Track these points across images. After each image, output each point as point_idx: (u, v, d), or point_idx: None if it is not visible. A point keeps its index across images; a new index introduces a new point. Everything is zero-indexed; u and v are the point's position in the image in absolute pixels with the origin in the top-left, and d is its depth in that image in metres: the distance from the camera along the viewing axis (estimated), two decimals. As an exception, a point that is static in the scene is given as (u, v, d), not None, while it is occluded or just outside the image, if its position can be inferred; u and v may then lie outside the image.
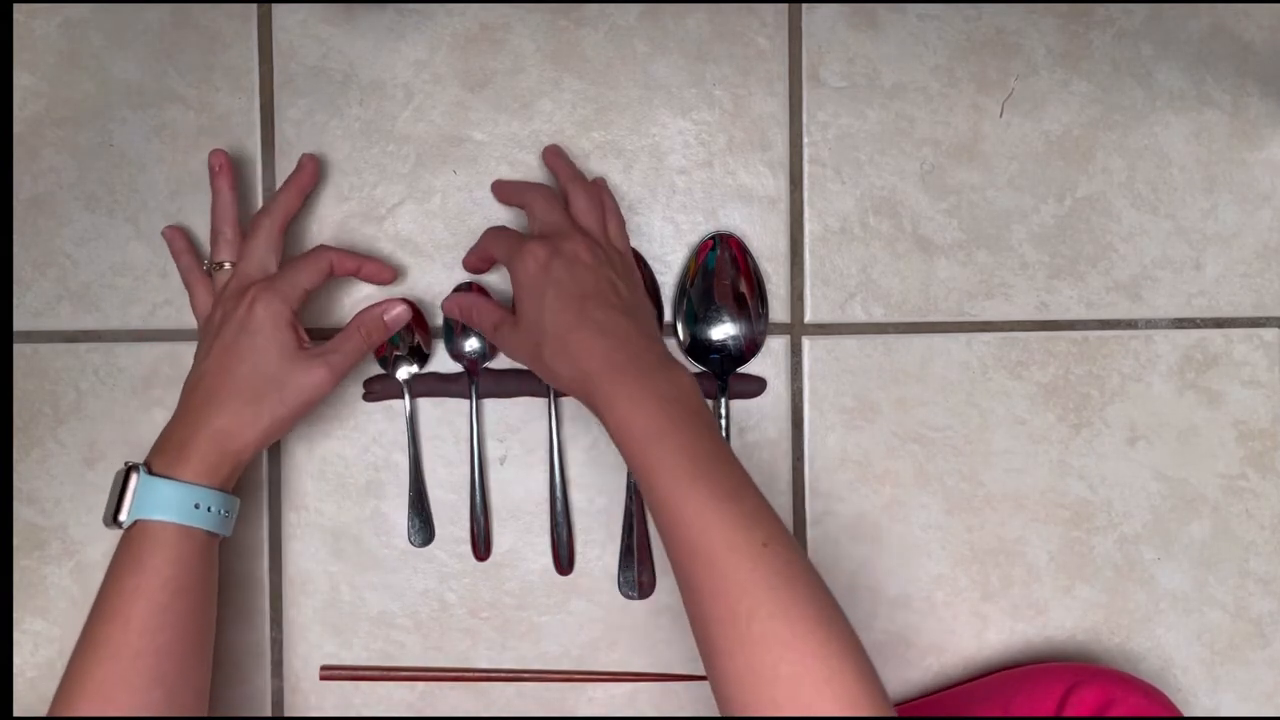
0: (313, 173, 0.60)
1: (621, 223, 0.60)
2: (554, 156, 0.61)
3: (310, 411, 0.55)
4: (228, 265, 0.57)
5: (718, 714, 0.62)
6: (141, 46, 0.62)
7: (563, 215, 0.57)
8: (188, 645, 0.51)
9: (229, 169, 0.59)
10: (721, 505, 0.46)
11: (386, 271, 0.60)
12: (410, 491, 0.61)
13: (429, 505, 0.62)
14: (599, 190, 0.60)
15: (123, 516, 0.50)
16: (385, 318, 0.57)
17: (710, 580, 0.45)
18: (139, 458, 0.53)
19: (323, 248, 0.58)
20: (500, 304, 0.59)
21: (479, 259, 0.60)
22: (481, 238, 0.59)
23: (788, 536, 0.47)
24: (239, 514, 0.61)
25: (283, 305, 0.54)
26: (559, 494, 0.61)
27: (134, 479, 0.51)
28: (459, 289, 0.61)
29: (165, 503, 0.50)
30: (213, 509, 0.51)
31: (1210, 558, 0.63)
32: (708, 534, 0.45)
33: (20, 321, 0.62)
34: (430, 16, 0.62)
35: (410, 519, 0.61)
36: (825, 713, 0.41)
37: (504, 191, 0.61)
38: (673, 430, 0.48)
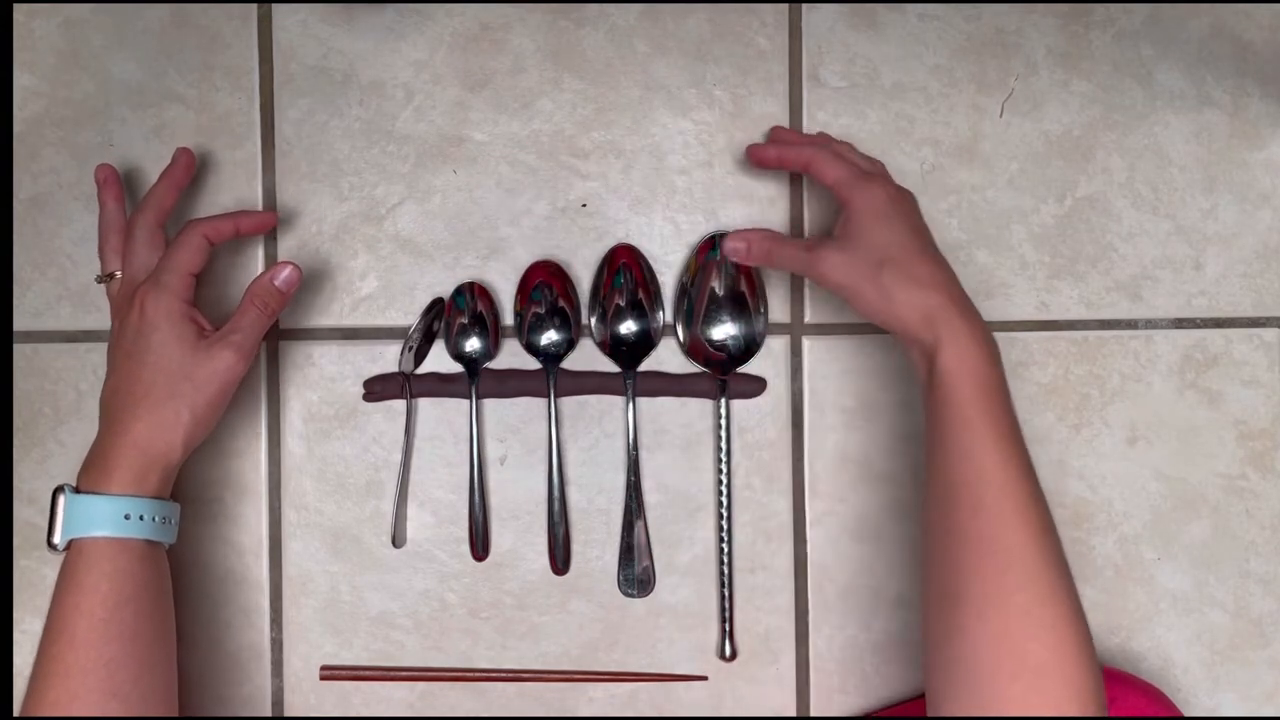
0: (186, 166, 0.58)
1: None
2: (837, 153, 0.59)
3: (228, 399, 0.54)
4: (117, 275, 0.56)
5: (717, 714, 0.62)
6: (141, 46, 0.62)
7: (886, 174, 0.57)
8: (140, 656, 0.50)
9: (114, 183, 0.58)
10: (1026, 475, 0.48)
11: (264, 217, 0.59)
12: (398, 494, 0.61)
13: (406, 508, 0.61)
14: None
15: (56, 539, 0.50)
16: (276, 283, 0.55)
17: (988, 538, 0.46)
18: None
19: (191, 223, 0.56)
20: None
21: (780, 161, 0.58)
22: (801, 147, 0.57)
23: (1056, 529, 0.48)
24: (236, 517, 0.62)
25: (171, 298, 0.53)
26: (557, 494, 0.61)
27: (61, 499, 0.50)
28: (459, 290, 0.61)
29: (95, 518, 0.50)
30: (145, 517, 0.51)
31: (1210, 558, 0.63)
32: (1005, 495, 0.47)
33: (20, 321, 0.62)
34: (430, 16, 0.62)
35: (395, 521, 0.61)
36: (1059, 700, 0.43)
37: (781, 153, 0.58)
38: (1001, 387, 0.49)
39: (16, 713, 0.60)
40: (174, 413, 0.52)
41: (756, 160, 0.59)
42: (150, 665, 0.51)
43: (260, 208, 0.61)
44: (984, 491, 0.47)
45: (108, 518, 0.50)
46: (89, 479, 0.51)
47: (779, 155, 0.58)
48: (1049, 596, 0.45)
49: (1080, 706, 0.43)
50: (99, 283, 0.58)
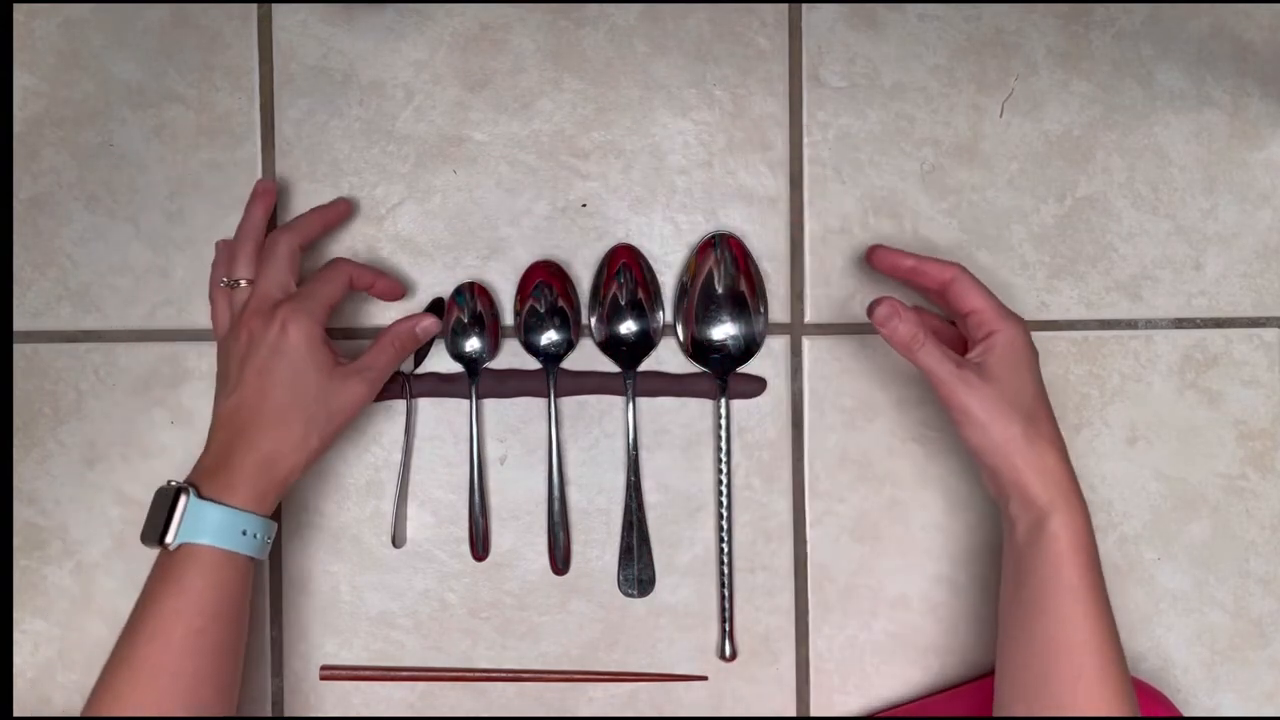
0: (342, 213, 0.61)
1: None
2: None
3: (343, 431, 0.56)
4: (244, 283, 0.56)
5: (717, 714, 0.62)
6: (141, 46, 0.62)
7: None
8: (221, 671, 0.50)
9: (269, 196, 0.59)
10: (1113, 644, 0.51)
11: (398, 288, 0.60)
12: (398, 493, 0.61)
13: (406, 508, 0.61)
14: None
15: (169, 538, 0.50)
16: (417, 330, 0.59)
17: (1084, 708, 0.49)
18: (139, 458, 0.53)
19: (340, 261, 0.58)
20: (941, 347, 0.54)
21: (914, 273, 0.57)
22: (950, 271, 0.56)
23: (1136, 699, 0.51)
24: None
25: (314, 325, 0.54)
26: (557, 494, 0.61)
27: (183, 501, 0.50)
28: (459, 290, 0.61)
29: (213, 527, 0.50)
30: (258, 535, 0.51)
31: (1210, 558, 0.63)
32: (1105, 672, 0.50)
33: (20, 321, 0.62)
34: (430, 16, 0.62)
35: (395, 521, 0.61)
36: None
37: (925, 265, 0.57)
38: (1097, 559, 0.52)
39: (30, 712, 0.60)
40: (303, 436, 0.53)
41: (880, 261, 0.58)
42: (227, 684, 0.51)
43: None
44: (1085, 660, 0.49)
45: (227, 529, 0.50)
46: (213, 487, 0.51)
47: (916, 265, 0.57)
48: None
49: None
50: (224, 286, 0.57)
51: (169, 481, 0.51)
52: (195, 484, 0.51)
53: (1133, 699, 0.50)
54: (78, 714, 0.53)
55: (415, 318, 0.59)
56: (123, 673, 0.49)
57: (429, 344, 0.61)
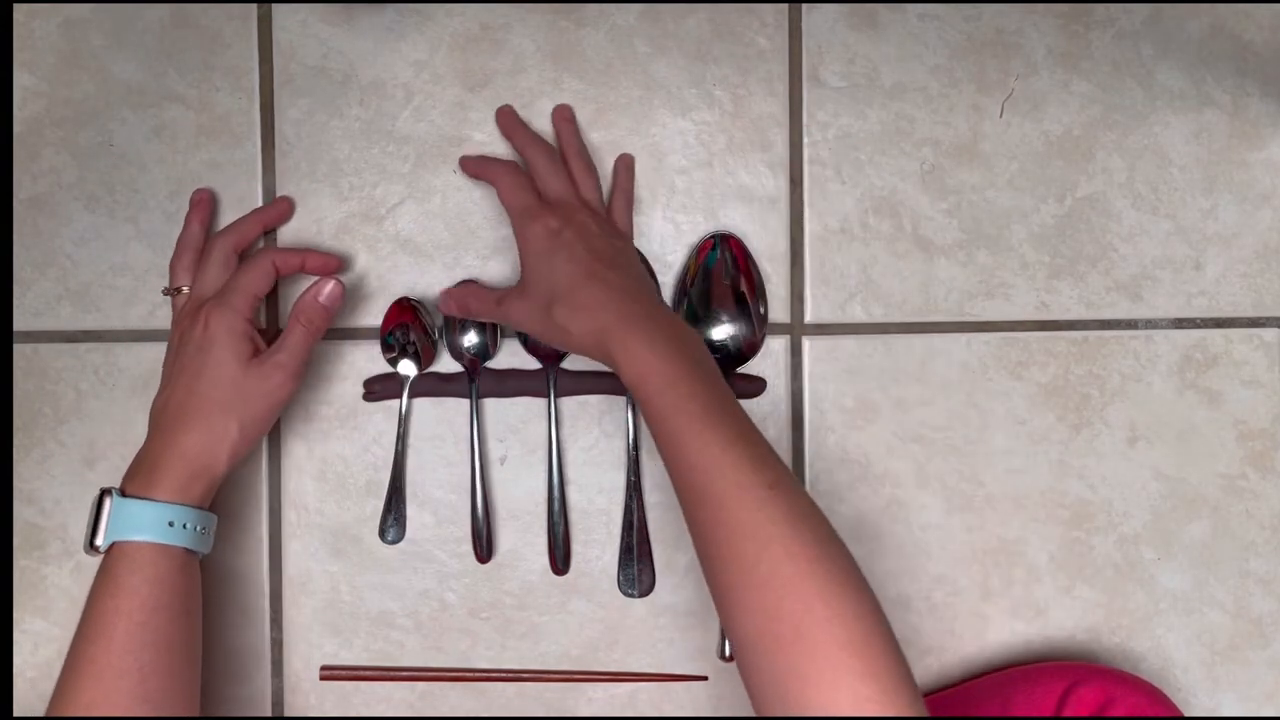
0: (282, 213, 0.61)
1: (629, 204, 0.61)
2: (565, 123, 0.61)
3: (275, 416, 0.55)
4: (185, 289, 0.58)
5: (717, 714, 0.62)
6: (141, 46, 0.62)
7: (569, 187, 0.58)
8: (172, 662, 0.51)
9: (206, 206, 0.60)
10: (730, 449, 0.47)
11: (331, 261, 0.60)
12: (389, 489, 0.61)
13: (405, 504, 0.62)
14: (592, 166, 0.60)
15: (99, 540, 0.51)
16: (320, 300, 0.56)
17: (719, 522, 0.46)
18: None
19: (264, 250, 0.59)
20: (493, 286, 0.59)
21: (476, 175, 0.60)
22: (493, 165, 0.59)
23: (793, 480, 0.48)
24: (236, 516, 0.62)
25: (234, 316, 0.54)
26: (556, 494, 0.61)
27: (108, 502, 0.51)
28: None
29: (140, 523, 0.51)
30: (188, 526, 0.52)
31: (1210, 558, 0.63)
32: (717, 476, 0.47)
33: (20, 321, 0.62)
34: (430, 16, 0.62)
35: (384, 516, 0.61)
36: (831, 651, 0.42)
37: (480, 165, 0.60)
38: (686, 377, 0.49)
39: (30, 712, 0.60)
40: (223, 427, 0.53)
41: (462, 168, 0.61)
42: (179, 674, 0.51)
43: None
44: (699, 480, 0.47)
45: (152, 523, 0.51)
46: (135, 484, 0.52)
47: (476, 169, 0.60)
48: (785, 554, 0.44)
49: (852, 651, 0.42)
50: (165, 295, 0.59)
51: (99, 489, 0.52)
52: (123, 485, 0.52)
53: (771, 494, 0.46)
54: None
55: (316, 286, 0.56)
56: (70, 676, 0.49)
57: (432, 347, 0.61)
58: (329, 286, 0.56)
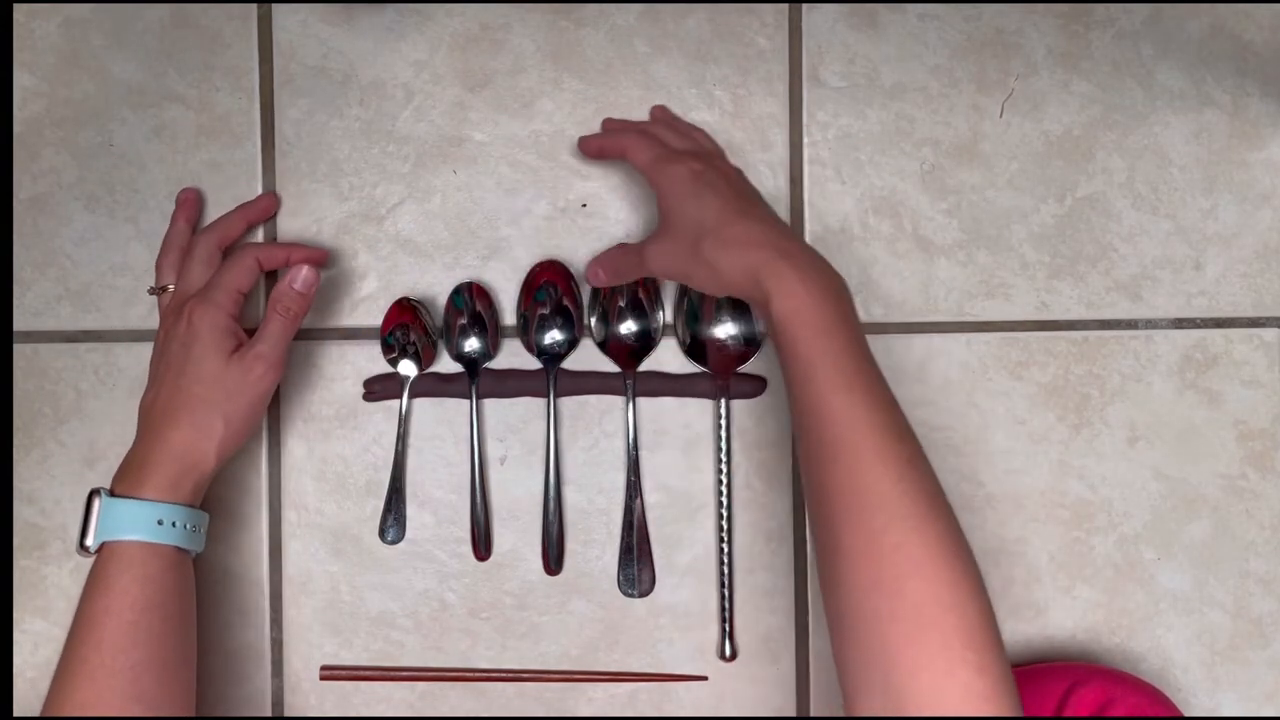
0: (265, 209, 0.61)
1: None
2: (668, 114, 0.61)
3: (261, 409, 0.55)
4: (170, 288, 0.58)
5: (717, 714, 0.62)
6: (141, 46, 0.62)
7: (695, 142, 0.58)
8: (164, 661, 0.50)
9: (192, 205, 0.60)
10: (876, 413, 0.46)
11: (315, 254, 0.59)
12: (389, 489, 0.61)
13: (405, 504, 0.62)
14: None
15: (89, 541, 0.51)
16: (295, 287, 0.56)
17: (851, 484, 0.45)
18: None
19: (247, 245, 0.58)
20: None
21: (601, 151, 0.60)
22: (618, 135, 0.58)
23: (928, 460, 0.46)
24: (236, 516, 0.62)
25: (217, 311, 0.54)
26: (552, 493, 0.61)
27: (97, 503, 0.51)
28: (459, 289, 0.61)
29: (129, 522, 0.51)
30: (177, 524, 0.51)
31: (1210, 558, 0.63)
32: (859, 437, 0.45)
33: (20, 321, 0.62)
34: (430, 16, 0.62)
35: (384, 516, 0.61)
36: (949, 638, 0.41)
37: (602, 140, 0.60)
38: (841, 326, 0.47)
39: (31, 712, 0.60)
40: (208, 422, 0.53)
41: (584, 150, 0.61)
42: (173, 672, 0.51)
43: (278, 211, 0.61)
44: (836, 436, 0.45)
45: (141, 522, 0.51)
46: (124, 484, 0.52)
47: (600, 145, 0.59)
48: (918, 530, 0.43)
49: (965, 640, 0.41)
50: (151, 294, 0.59)
51: (89, 491, 0.52)
52: (112, 486, 0.52)
53: (912, 470, 0.45)
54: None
55: (291, 272, 0.56)
56: (63, 677, 0.49)
57: (432, 347, 0.61)
58: (303, 273, 0.56)
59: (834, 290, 0.48)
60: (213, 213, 0.61)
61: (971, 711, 0.40)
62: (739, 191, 0.54)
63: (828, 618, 0.46)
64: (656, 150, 0.56)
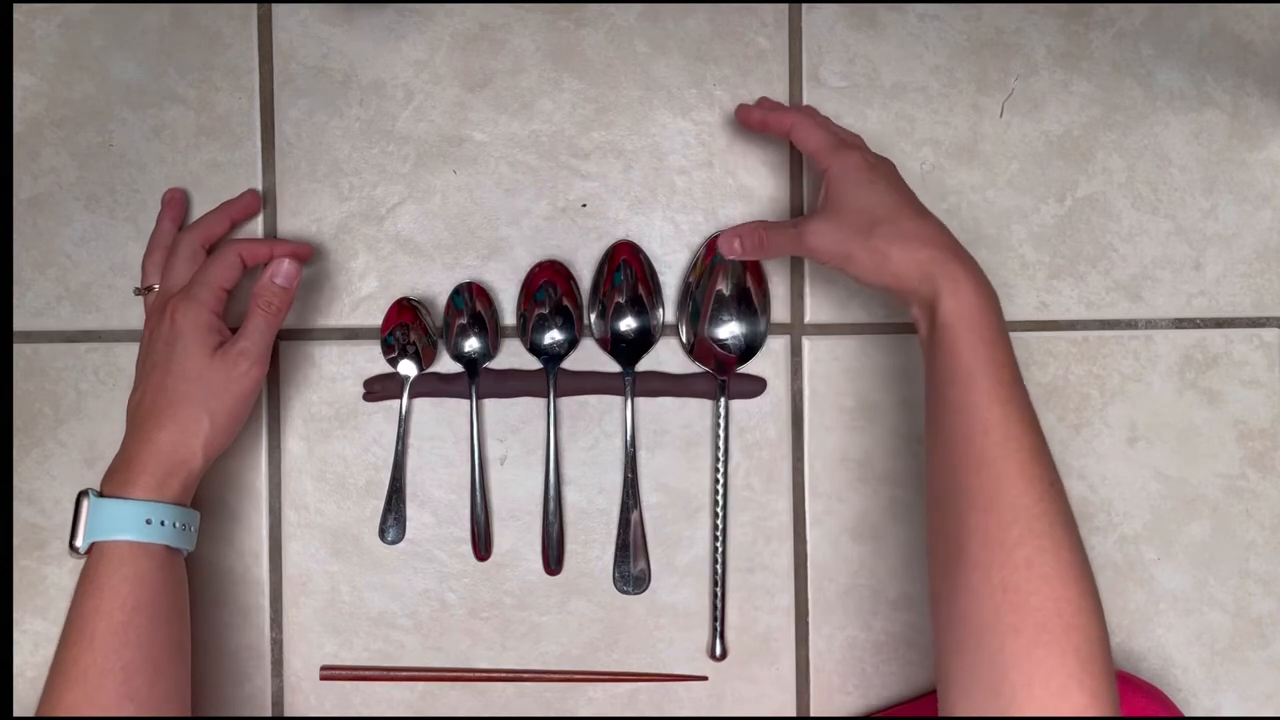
0: (248, 206, 0.61)
1: None
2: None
3: (248, 406, 0.55)
4: (155, 287, 0.58)
5: (717, 714, 0.62)
6: (141, 46, 0.62)
7: (863, 143, 0.58)
8: (157, 660, 0.50)
9: (177, 206, 0.60)
10: (1028, 431, 0.47)
11: (300, 249, 0.59)
12: (389, 489, 0.61)
13: (405, 504, 0.62)
14: None
15: (78, 542, 0.51)
16: (276, 281, 0.55)
17: (992, 494, 0.45)
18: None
19: (230, 242, 0.58)
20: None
21: (765, 124, 0.59)
22: (785, 113, 0.58)
23: (1064, 488, 0.47)
24: (236, 516, 0.62)
25: (200, 309, 0.54)
26: (552, 493, 0.61)
27: (85, 503, 0.51)
28: (459, 289, 0.61)
29: (117, 522, 0.51)
30: (166, 523, 0.51)
31: (1210, 558, 0.63)
32: (1008, 451, 0.46)
33: (20, 321, 0.62)
34: (430, 16, 0.62)
35: (384, 516, 0.61)
36: (1063, 654, 0.42)
37: (765, 113, 0.59)
38: (1003, 338, 0.48)
39: (31, 712, 0.60)
40: (194, 420, 0.53)
41: (743, 120, 0.60)
42: (166, 671, 0.51)
43: (261, 208, 0.62)
44: (986, 446, 0.46)
45: (130, 522, 0.51)
46: (112, 484, 0.52)
47: (763, 118, 0.59)
48: (1052, 550, 0.44)
49: (1081, 662, 0.42)
50: (137, 294, 0.59)
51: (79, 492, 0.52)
52: (101, 486, 0.52)
53: (1052, 490, 0.46)
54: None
55: (272, 266, 0.55)
56: (55, 678, 0.49)
57: (432, 347, 0.61)
58: (284, 266, 0.56)
59: (997, 302, 0.50)
60: (207, 207, 0.61)
61: None
62: (906, 190, 0.55)
63: (936, 620, 0.46)
64: (827, 135, 0.56)
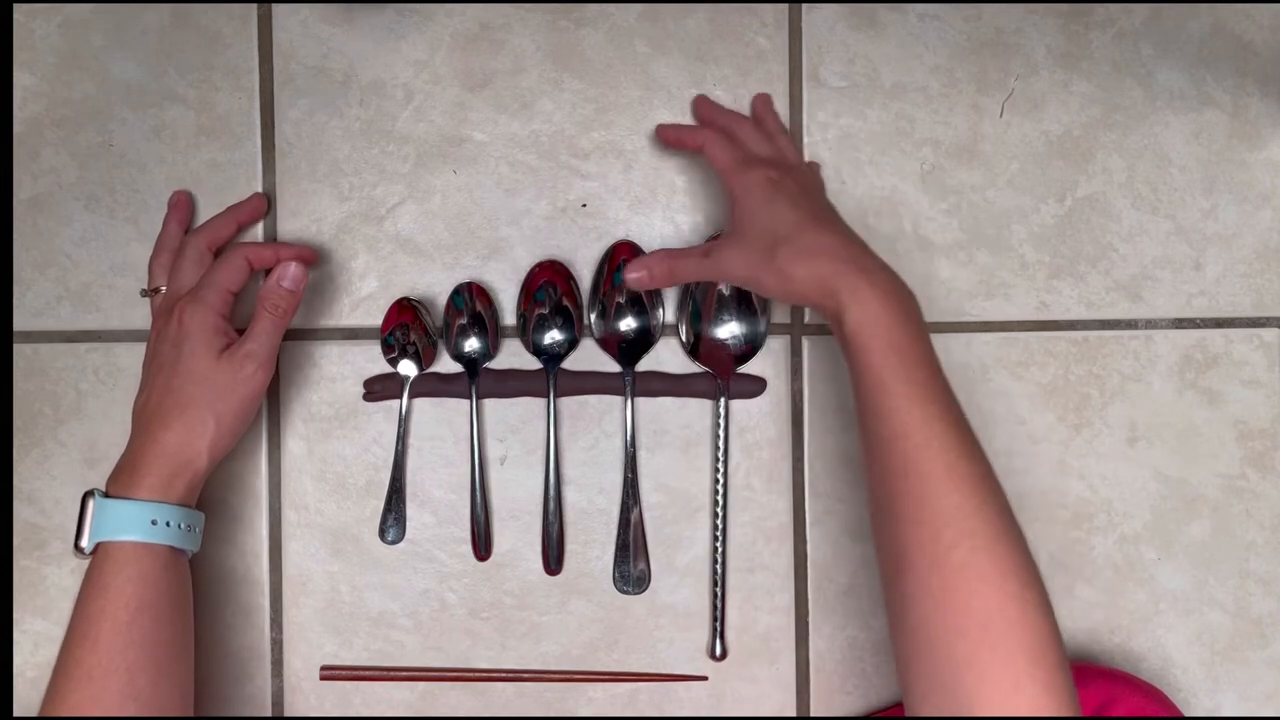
0: (254, 210, 0.61)
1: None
2: (768, 108, 0.61)
3: (253, 408, 0.55)
4: (162, 289, 0.58)
5: (717, 714, 0.62)
6: (141, 46, 0.62)
7: (778, 151, 0.58)
8: (160, 661, 0.51)
9: (183, 208, 0.61)
10: (950, 429, 0.46)
11: (305, 252, 0.59)
12: (389, 489, 0.61)
13: (405, 504, 0.62)
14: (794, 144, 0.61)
15: (83, 542, 0.51)
16: (283, 285, 0.56)
17: (921, 500, 0.45)
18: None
19: (237, 245, 0.58)
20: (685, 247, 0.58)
21: (680, 142, 0.59)
22: (698, 131, 0.58)
23: (995, 475, 0.47)
24: (236, 516, 0.62)
25: (207, 311, 0.54)
26: (553, 493, 0.61)
27: (91, 504, 0.51)
28: (459, 289, 0.61)
29: (123, 522, 0.51)
30: (171, 524, 0.51)
31: (1210, 558, 0.63)
32: (931, 454, 0.45)
33: (20, 321, 0.62)
34: (430, 16, 0.62)
35: (384, 516, 0.61)
36: (1015, 655, 0.42)
37: (680, 132, 0.60)
38: (915, 341, 0.48)
39: (32, 712, 0.60)
40: (200, 421, 0.53)
41: (661, 137, 0.61)
42: (169, 672, 0.51)
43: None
44: (909, 450, 0.46)
45: (135, 522, 0.51)
46: (118, 484, 0.52)
47: (677, 136, 0.60)
48: (986, 549, 0.43)
49: (1031, 657, 0.42)
50: (144, 296, 0.59)
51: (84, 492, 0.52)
52: (106, 487, 0.52)
53: (981, 487, 0.45)
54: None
55: (278, 269, 0.56)
56: (58, 678, 0.49)
57: (432, 347, 0.61)
58: (291, 270, 0.56)
59: (907, 305, 0.49)
60: (211, 213, 0.61)
61: None
62: (815, 202, 0.54)
63: (891, 630, 0.46)
64: (735, 154, 0.56)
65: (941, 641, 0.43)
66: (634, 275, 0.56)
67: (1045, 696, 0.41)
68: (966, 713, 0.41)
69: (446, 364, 0.62)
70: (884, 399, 0.47)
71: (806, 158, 0.62)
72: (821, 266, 0.50)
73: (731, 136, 0.58)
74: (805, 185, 0.55)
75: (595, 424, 0.62)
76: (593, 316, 0.61)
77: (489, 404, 0.62)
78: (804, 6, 0.62)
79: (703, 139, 0.57)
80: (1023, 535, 0.45)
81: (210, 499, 0.61)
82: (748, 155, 0.56)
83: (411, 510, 0.62)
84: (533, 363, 0.61)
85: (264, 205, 0.61)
